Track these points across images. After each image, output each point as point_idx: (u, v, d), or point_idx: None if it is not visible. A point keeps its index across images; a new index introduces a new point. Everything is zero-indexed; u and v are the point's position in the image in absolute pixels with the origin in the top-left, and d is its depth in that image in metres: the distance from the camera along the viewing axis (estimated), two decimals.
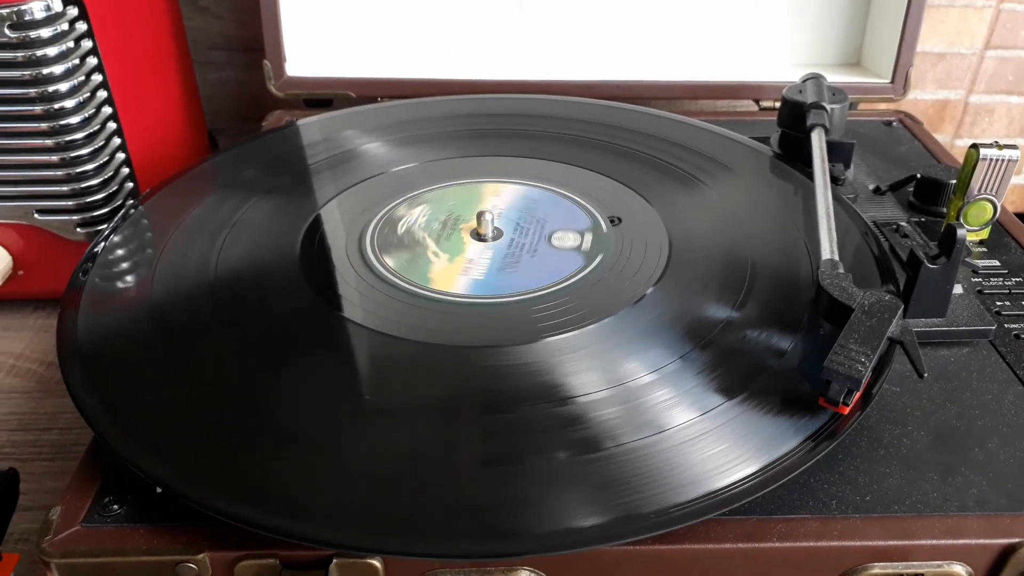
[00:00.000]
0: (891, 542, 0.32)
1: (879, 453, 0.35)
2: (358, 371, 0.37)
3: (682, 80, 0.67)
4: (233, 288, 0.42)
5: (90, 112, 0.50)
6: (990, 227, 0.48)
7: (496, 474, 0.32)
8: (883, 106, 0.69)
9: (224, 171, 0.53)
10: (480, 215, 0.46)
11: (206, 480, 0.32)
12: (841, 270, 0.39)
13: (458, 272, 0.43)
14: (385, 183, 0.51)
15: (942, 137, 0.81)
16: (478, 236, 0.46)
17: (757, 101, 0.69)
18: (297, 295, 0.41)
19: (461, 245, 0.45)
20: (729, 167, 0.53)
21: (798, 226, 0.46)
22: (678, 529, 0.31)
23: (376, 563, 0.31)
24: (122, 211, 0.48)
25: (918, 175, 0.52)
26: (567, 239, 0.42)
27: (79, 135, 0.50)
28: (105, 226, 0.47)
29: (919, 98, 0.79)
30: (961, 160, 0.47)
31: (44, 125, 0.49)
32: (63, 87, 0.48)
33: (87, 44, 0.50)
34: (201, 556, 0.31)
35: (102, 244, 0.45)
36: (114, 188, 0.53)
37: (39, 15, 0.46)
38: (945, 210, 0.51)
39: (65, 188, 0.51)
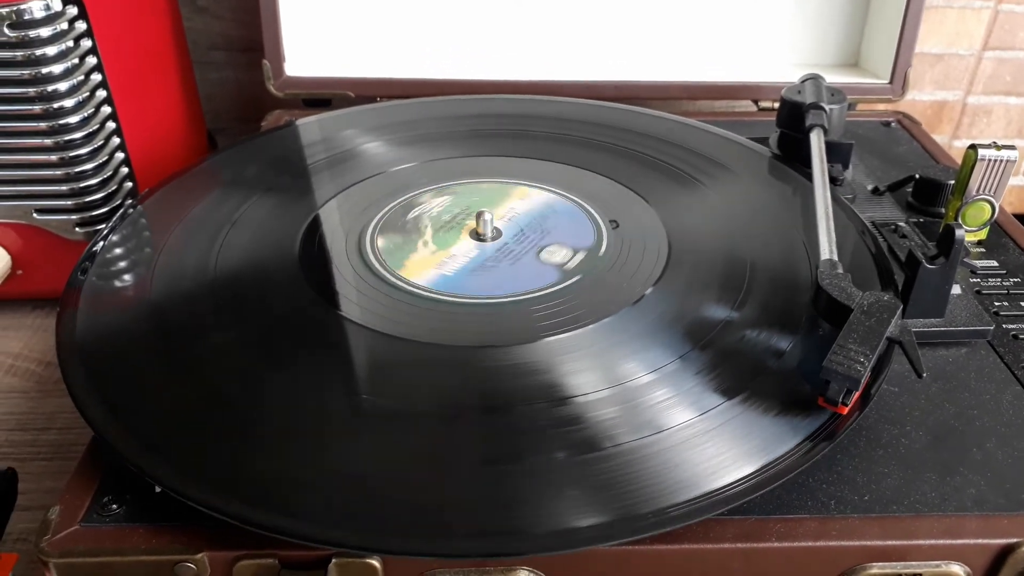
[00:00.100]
0: (889, 542, 0.32)
1: (877, 453, 0.35)
2: (357, 371, 0.37)
3: (681, 80, 0.67)
4: (232, 287, 0.42)
5: (89, 111, 0.50)
6: (988, 228, 0.48)
7: (495, 474, 0.32)
8: (881, 107, 0.69)
9: (223, 171, 0.53)
10: (479, 215, 0.46)
11: (205, 479, 0.32)
12: (840, 270, 0.39)
13: (432, 265, 0.43)
14: (384, 183, 0.51)
15: (940, 138, 0.82)
16: (476, 235, 0.46)
17: (756, 102, 0.69)
18: (297, 295, 0.41)
19: (455, 240, 0.45)
20: (728, 168, 0.53)
21: (797, 226, 0.46)
22: (677, 529, 0.31)
23: (375, 563, 0.31)
24: (121, 210, 0.48)
25: (916, 176, 0.52)
26: (556, 254, 0.42)
27: (78, 134, 0.50)
28: (104, 226, 0.47)
29: (917, 99, 0.79)
30: (959, 161, 0.47)
31: (43, 124, 0.49)
32: (62, 86, 0.48)
33: (86, 43, 0.50)
34: (200, 556, 0.31)
35: (101, 243, 0.45)
36: (113, 188, 0.53)
37: (38, 14, 0.46)
38: (943, 211, 0.51)
39: (64, 188, 0.51)
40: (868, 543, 0.32)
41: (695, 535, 0.32)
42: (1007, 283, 0.46)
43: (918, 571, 0.32)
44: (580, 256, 0.42)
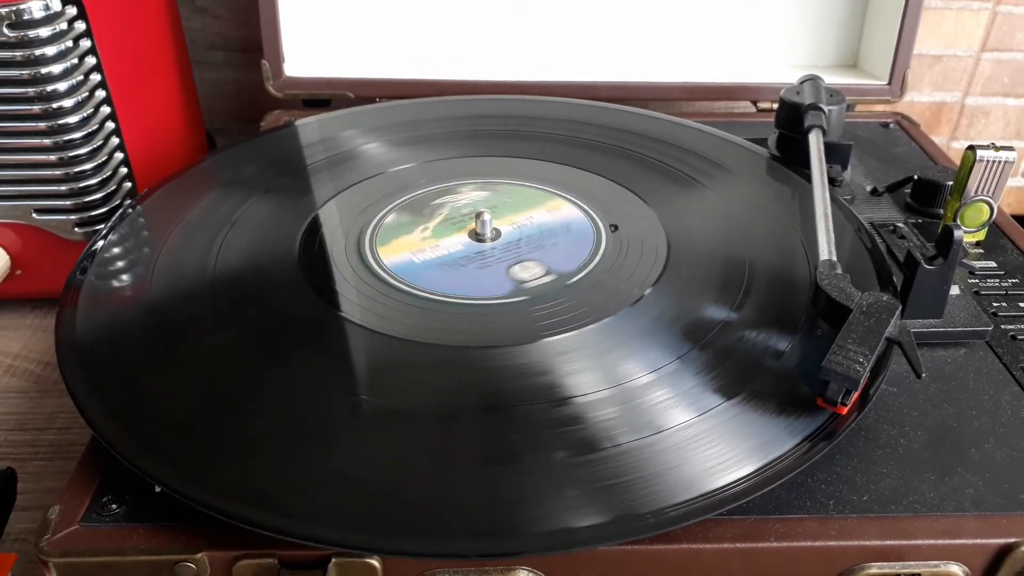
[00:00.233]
0: (888, 542, 0.32)
1: (876, 453, 0.36)
2: (357, 371, 0.37)
3: (680, 81, 0.67)
4: (232, 287, 0.42)
5: (88, 111, 0.50)
6: (987, 228, 0.48)
7: (495, 474, 0.32)
8: (880, 108, 0.69)
9: (222, 171, 0.53)
10: (479, 215, 0.46)
11: (205, 479, 0.32)
12: (839, 271, 0.39)
13: (411, 250, 0.44)
14: (383, 183, 0.51)
15: (939, 139, 0.82)
16: (475, 234, 0.46)
17: (755, 103, 0.69)
18: (296, 295, 0.41)
19: (452, 233, 0.46)
20: (727, 169, 0.53)
21: (796, 227, 0.46)
22: (676, 529, 0.31)
23: (374, 563, 0.31)
24: (120, 210, 0.48)
25: (915, 176, 0.52)
26: (527, 271, 0.42)
27: (77, 134, 0.50)
28: (103, 226, 0.47)
29: (916, 100, 0.79)
30: (958, 162, 0.47)
31: (42, 124, 0.49)
32: (61, 86, 0.48)
33: (85, 43, 0.50)
34: (200, 555, 0.31)
35: (100, 243, 0.45)
36: (112, 188, 0.53)
37: (38, 14, 0.46)
38: (942, 211, 0.51)
39: (63, 188, 0.51)
40: (867, 543, 0.32)
41: (694, 535, 0.32)
42: (1005, 284, 0.46)
43: (917, 571, 0.32)
44: (548, 278, 0.41)
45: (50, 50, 0.47)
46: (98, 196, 0.52)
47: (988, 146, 0.45)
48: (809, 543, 0.32)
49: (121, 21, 0.54)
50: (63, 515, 0.32)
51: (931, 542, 0.32)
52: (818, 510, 0.33)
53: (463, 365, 0.37)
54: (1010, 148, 0.45)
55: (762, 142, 0.56)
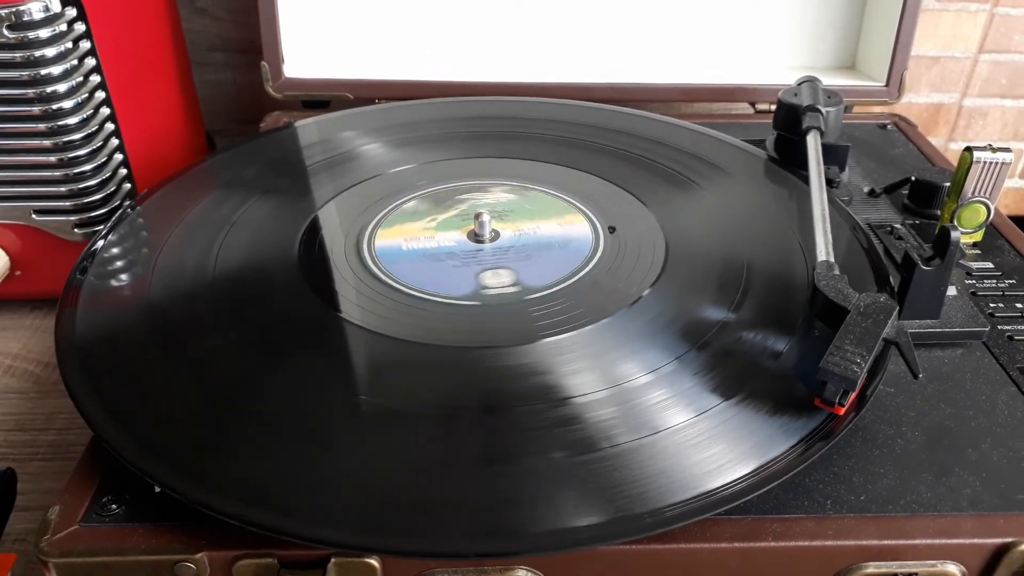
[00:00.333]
0: (885, 541, 0.32)
1: (874, 453, 0.36)
2: (356, 371, 0.37)
3: (678, 83, 0.68)
4: (232, 288, 0.42)
5: (88, 113, 0.50)
6: (984, 230, 0.48)
7: (493, 474, 0.32)
8: (878, 109, 0.69)
9: (222, 172, 0.53)
10: (477, 215, 0.46)
11: (204, 479, 0.32)
12: (837, 272, 0.39)
13: (404, 237, 0.45)
14: (382, 184, 0.51)
15: (936, 140, 0.82)
16: (473, 234, 0.46)
17: (753, 104, 0.69)
18: (296, 296, 0.41)
19: (454, 228, 0.47)
20: (725, 170, 0.53)
21: (793, 228, 0.47)
22: (674, 529, 0.31)
23: (374, 562, 0.31)
24: (120, 211, 0.48)
25: (912, 178, 0.52)
26: (495, 278, 0.42)
27: (77, 135, 0.50)
28: (103, 226, 0.47)
29: (914, 101, 0.80)
30: (955, 163, 0.47)
31: (42, 126, 0.49)
32: (61, 87, 0.48)
33: (85, 45, 0.50)
34: (200, 555, 0.31)
35: (100, 243, 0.45)
36: (112, 188, 0.53)
37: (37, 15, 0.47)
38: (939, 212, 0.51)
39: (63, 188, 0.51)
40: (864, 543, 0.32)
41: (692, 535, 0.32)
42: (1002, 285, 0.46)
43: (914, 571, 0.32)
44: (512, 289, 0.41)
45: (50, 51, 0.47)
46: (98, 197, 0.52)
47: (985, 147, 0.45)
48: (807, 543, 0.32)
49: (121, 22, 0.54)
50: (63, 515, 0.32)
51: (928, 542, 0.32)
52: (816, 510, 0.33)
53: (462, 365, 0.37)
54: (1007, 149, 0.45)
55: (760, 143, 0.56)
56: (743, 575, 0.32)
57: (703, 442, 0.33)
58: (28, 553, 0.40)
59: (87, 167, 0.51)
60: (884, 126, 0.65)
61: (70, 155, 0.50)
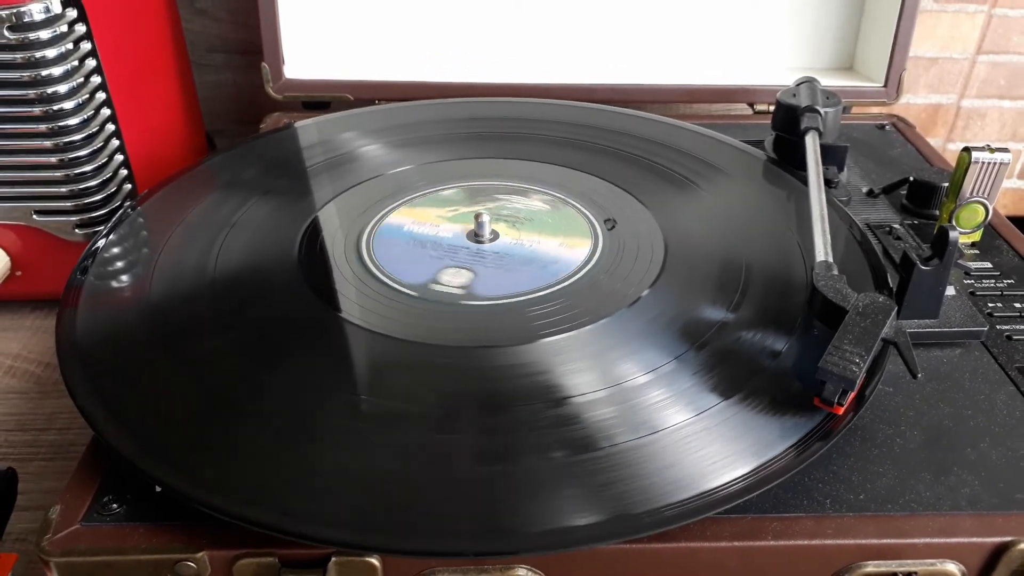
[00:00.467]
0: (885, 540, 0.32)
1: (873, 452, 0.36)
2: (356, 371, 0.37)
3: (678, 84, 0.68)
4: (232, 288, 0.42)
5: (89, 113, 0.50)
6: (982, 230, 0.48)
7: (493, 473, 0.32)
8: (876, 110, 0.69)
9: (222, 172, 0.53)
10: (478, 216, 0.46)
11: (205, 479, 0.32)
12: (835, 272, 0.39)
13: (416, 219, 0.47)
14: (382, 185, 0.51)
15: (934, 141, 0.82)
16: (474, 233, 0.46)
17: (752, 105, 0.69)
18: (296, 296, 0.41)
19: (462, 222, 0.47)
20: (724, 171, 0.53)
21: (792, 228, 0.47)
22: (673, 528, 0.31)
23: (374, 561, 0.31)
24: (121, 211, 0.48)
25: (911, 178, 0.52)
26: (456, 277, 0.42)
27: (78, 136, 0.50)
28: (103, 227, 0.47)
29: (912, 102, 0.80)
30: (953, 164, 0.48)
31: (43, 126, 0.49)
32: (62, 88, 0.48)
33: (86, 46, 0.50)
34: (200, 555, 0.31)
35: (100, 243, 0.45)
36: (112, 189, 0.53)
37: (38, 17, 0.47)
38: (938, 213, 0.51)
39: (64, 189, 0.51)
40: (863, 542, 0.32)
41: (692, 534, 0.32)
42: (1001, 284, 0.46)
43: (913, 569, 0.32)
44: (458, 292, 0.42)
45: (51, 52, 0.47)
46: (98, 197, 0.52)
47: (983, 148, 0.45)
48: (806, 542, 0.32)
49: (121, 23, 0.54)
50: (64, 515, 0.32)
51: (927, 541, 0.32)
52: (815, 509, 0.33)
53: (462, 365, 0.37)
54: (1005, 150, 0.45)
55: (759, 144, 0.56)
56: (742, 574, 0.33)
57: (702, 441, 0.34)
58: (29, 553, 0.40)
59: (88, 168, 0.51)
60: (882, 127, 0.65)
61: (71, 156, 0.50)
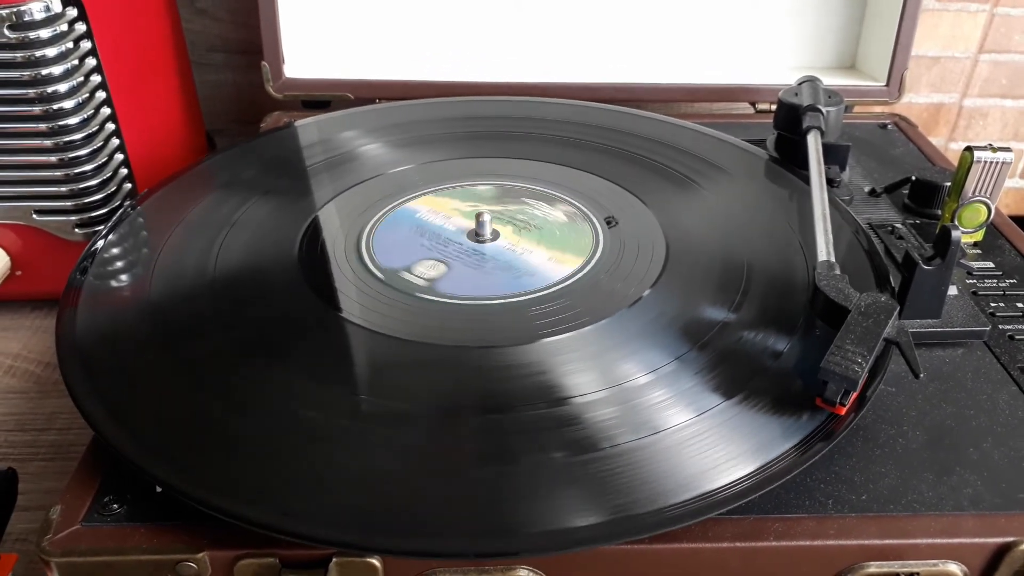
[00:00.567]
0: (887, 541, 0.32)
1: (875, 453, 0.36)
2: (357, 371, 0.37)
3: (679, 83, 0.68)
4: (232, 288, 0.42)
5: (89, 113, 0.50)
6: (984, 229, 0.48)
7: (494, 473, 0.32)
8: (878, 109, 0.69)
9: (222, 172, 0.53)
10: (479, 216, 0.46)
11: (206, 479, 0.32)
12: (837, 271, 0.39)
13: (435, 208, 0.48)
14: (382, 185, 0.51)
15: (936, 140, 0.82)
16: (475, 232, 0.46)
17: (753, 104, 0.69)
18: (296, 296, 0.41)
19: (469, 218, 0.48)
20: (726, 170, 0.53)
21: (794, 228, 0.47)
22: (675, 529, 0.31)
23: (375, 562, 0.31)
24: (120, 211, 0.48)
25: (913, 177, 0.52)
26: (429, 270, 0.43)
27: (78, 136, 0.50)
28: (103, 226, 0.47)
29: (914, 101, 0.80)
30: (955, 163, 0.47)
31: (43, 126, 0.49)
32: (62, 88, 0.48)
33: (86, 45, 0.50)
34: (201, 555, 0.31)
35: (100, 243, 0.45)
36: (112, 189, 0.53)
37: (38, 16, 0.47)
38: (940, 212, 0.51)
39: (64, 188, 0.51)
40: (865, 542, 0.32)
41: (694, 534, 0.32)
42: (1003, 284, 0.46)
43: (915, 570, 0.32)
44: (420, 283, 0.42)
45: (51, 51, 0.47)
46: (98, 197, 0.52)
47: (986, 147, 0.45)
48: (808, 542, 0.32)
49: (121, 23, 0.54)
50: (64, 515, 0.32)
51: (929, 541, 0.32)
52: (817, 509, 0.33)
53: (463, 365, 0.37)
54: (1007, 149, 0.45)
55: (760, 143, 0.56)
56: (744, 575, 0.32)
57: (704, 442, 0.33)
58: (30, 553, 0.40)
59: (88, 167, 0.51)
60: (884, 126, 0.65)
61: (71, 155, 0.50)
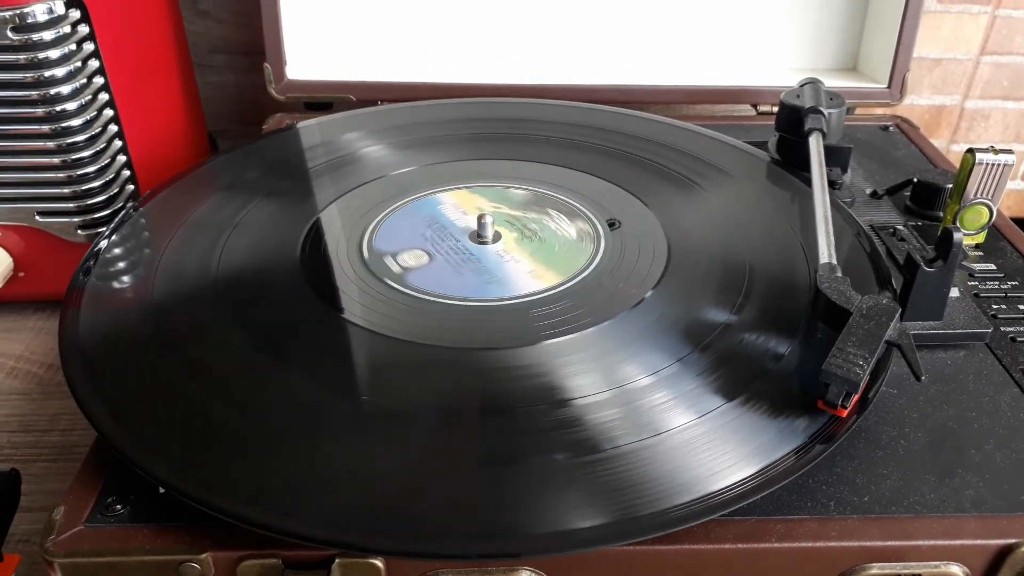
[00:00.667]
0: (889, 543, 0.32)
1: (877, 454, 0.36)
2: (359, 372, 0.37)
3: (681, 85, 0.68)
4: (234, 289, 0.42)
5: (92, 114, 0.50)
6: (986, 231, 0.48)
7: (497, 475, 0.32)
8: (880, 111, 0.69)
9: (225, 173, 0.53)
10: (481, 216, 0.46)
11: (209, 480, 0.32)
12: (839, 273, 0.39)
13: (460, 201, 0.49)
14: (384, 186, 0.51)
15: (938, 142, 0.82)
16: (477, 234, 0.46)
17: (755, 106, 0.69)
18: (298, 297, 0.41)
19: (470, 217, 0.48)
20: (727, 172, 0.53)
21: (796, 230, 0.47)
22: (678, 530, 0.31)
23: (378, 563, 0.31)
24: (123, 212, 0.48)
25: (915, 179, 0.52)
26: (412, 260, 0.44)
27: (81, 137, 0.50)
28: (106, 228, 0.47)
29: (915, 103, 0.80)
30: (957, 165, 0.47)
31: (46, 127, 0.49)
32: (65, 89, 0.48)
33: (89, 47, 0.50)
34: (204, 556, 0.31)
35: (103, 244, 0.45)
36: (115, 190, 0.53)
37: (41, 18, 0.47)
38: (941, 214, 0.51)
39: (66, 190, 0.51)
40: (867, 544, 0.32)
41: (696, 536, 0.32)
42: (1005, 286, 0.46)
43: (917, 571, 0.32)
44: (395, 269, 0.43)
45: (54, 53, 0.47)
46: (101, 198, 0.52)
47: (987, 149, 0.45)
48: (810, 544, 0.32)
49: (124, 24, 0.54)
50: (68, 516, 0.32)
51: (931, 543, 0.32)
52: (819, 511, 0.33)
53: (464, 366, 0.37)
54: (1009, 151, 0.45)
55: (762, 145, 0.56)
56: None
57: (706, 444, 0.34)
58: (33, 554, 0.40)
59: (90, 169, 0.51)
60: (886, 128, 0.65)
61: (73, 157, 0.50)
